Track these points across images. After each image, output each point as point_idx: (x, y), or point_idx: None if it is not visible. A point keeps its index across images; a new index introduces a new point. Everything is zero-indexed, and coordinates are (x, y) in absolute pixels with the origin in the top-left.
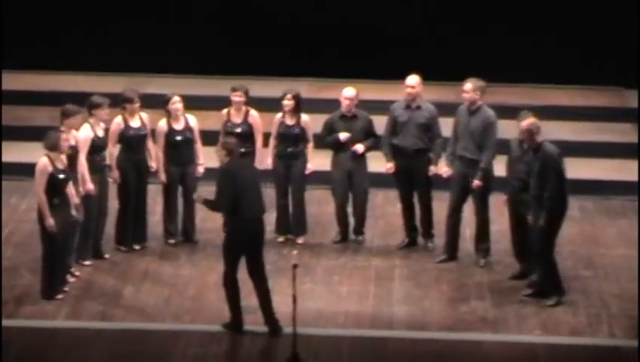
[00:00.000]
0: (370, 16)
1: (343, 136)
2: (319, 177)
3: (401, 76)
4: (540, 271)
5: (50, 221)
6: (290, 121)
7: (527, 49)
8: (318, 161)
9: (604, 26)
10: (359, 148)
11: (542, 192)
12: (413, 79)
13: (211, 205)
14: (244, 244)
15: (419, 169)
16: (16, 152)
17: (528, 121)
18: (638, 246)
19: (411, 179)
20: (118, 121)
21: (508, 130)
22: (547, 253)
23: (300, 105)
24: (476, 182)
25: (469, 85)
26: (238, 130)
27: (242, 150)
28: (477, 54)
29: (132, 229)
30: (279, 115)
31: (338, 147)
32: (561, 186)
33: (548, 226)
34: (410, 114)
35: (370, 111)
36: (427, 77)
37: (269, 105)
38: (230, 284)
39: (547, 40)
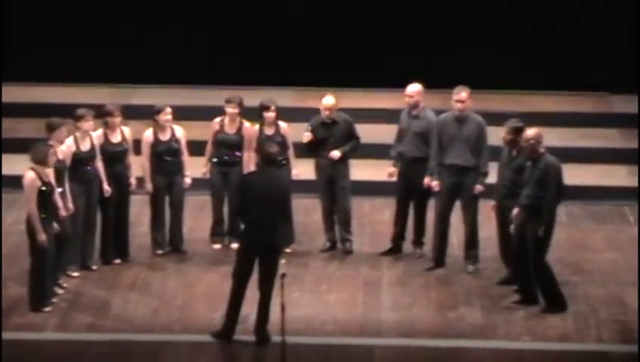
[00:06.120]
0: (357, 24)
1: (305, 137)
2: (305, 186)
3: (388, 84)
4: (539, 287)
5: (42, 236)
6: (269, 131)
7: (512, 55)
8: (302, 169)
9: (590, 31)
10: (335, 154)
11: (536, 203)
12: (411, 88)
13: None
14: (253, 252)
15: (416, 177)
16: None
17: (533, 131)
18: (637, 252)
19: (408, 187)
20: (98, 135)
21: (496, 136)
22: (542, 267)
23: (278, 114)
24: (478, 187)
25: (464, 94)
26: (231, 141)
27: (279, 160)
28: (463, 61)
29: (113, 244)
30: (256, 126)
31: (318, 153)
32: (558, 198)
33: (545, 238)
34: (410, 122)
35: (359, 119)
36: (413, 83)
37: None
38: (235, 290)
39: (532, 46)
